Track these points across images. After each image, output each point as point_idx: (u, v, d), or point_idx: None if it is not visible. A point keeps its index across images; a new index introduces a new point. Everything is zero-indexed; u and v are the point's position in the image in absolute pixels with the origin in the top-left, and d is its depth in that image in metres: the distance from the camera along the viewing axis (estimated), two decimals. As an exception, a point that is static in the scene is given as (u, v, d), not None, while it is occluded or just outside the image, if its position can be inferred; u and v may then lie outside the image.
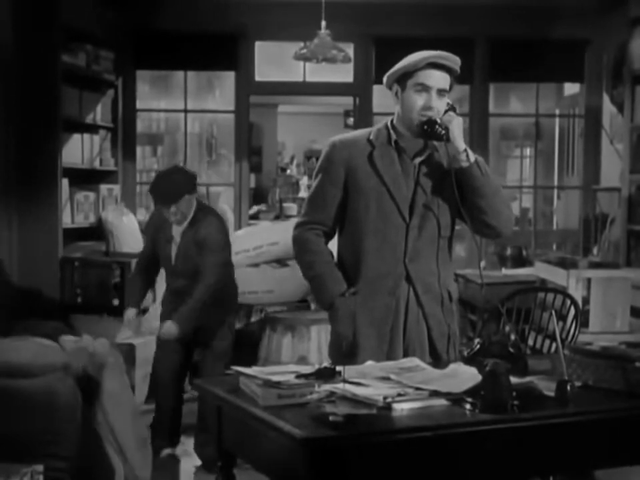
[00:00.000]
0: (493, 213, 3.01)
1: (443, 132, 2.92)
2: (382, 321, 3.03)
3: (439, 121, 2.93)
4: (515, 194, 8.91)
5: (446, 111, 2.96)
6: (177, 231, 4.51)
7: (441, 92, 2.95)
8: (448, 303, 3.11)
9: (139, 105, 7.30)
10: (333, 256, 3.16)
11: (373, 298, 3.03)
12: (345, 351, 3.03)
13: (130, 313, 4.68)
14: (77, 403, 3.67)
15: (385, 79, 3.04)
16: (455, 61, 2.96)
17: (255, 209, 9.91)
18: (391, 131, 3.05)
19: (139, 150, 7.60)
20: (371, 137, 3.08)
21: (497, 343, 2.76)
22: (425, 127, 2.94)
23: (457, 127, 2.93)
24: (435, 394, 2.41)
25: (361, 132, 3.18)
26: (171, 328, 4.42)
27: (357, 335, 3.04)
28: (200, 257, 4.42)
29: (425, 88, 2.94)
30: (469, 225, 3.08)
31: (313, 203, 3.15)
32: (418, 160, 3.05)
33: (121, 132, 6.91)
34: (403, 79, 2.97)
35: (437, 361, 3.00)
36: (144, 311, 5.77)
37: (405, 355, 3.01)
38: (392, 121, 3.07)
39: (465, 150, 2.95)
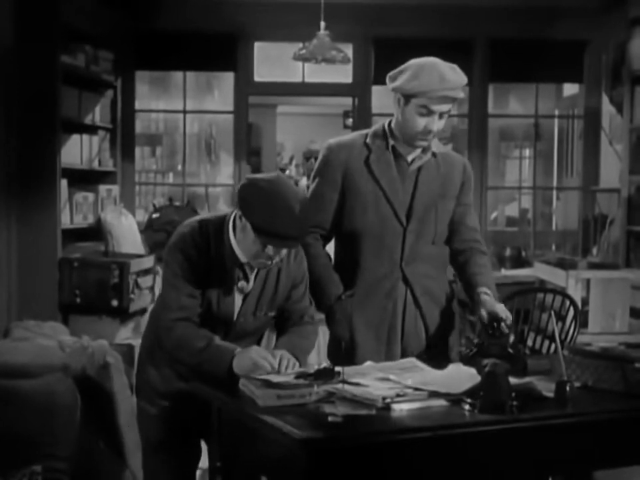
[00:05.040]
0: None
1: (507, 330, 2.83)
2: (379, 323, 3.03)
3: (505, 318, 2.84)
4: (514, 195, 8.92)
5: None
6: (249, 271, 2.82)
7: (442, 114, 2.93)
8: (447, 304, 3.11)
9: (137, 105, 7.29)
10: (330, 259, 3.16)
11: (370, 300, 3.04)
12: (343, 353, 3.03)
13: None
14: (76, 403, 3.67)
15: (388, 80, 2.99)
16: (463, 86, 2.92)
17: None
18: (388, 135, 3.04)
19: (137, 150, 7.59)
20: (368, 141, 3.06)
21: (496, 344, 2.76)
22: (495, 325, 2.84)
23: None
24: (434, 394, 2.42)
25: (357, 134, 3.16)
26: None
27: (355, 337, 3.04)
28: (293, 300, 2.94)
29: (429, 112, 2.90)
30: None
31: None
32: (416, 165, 3.04)
33: (120, 132, 6.90)
34: (408, 94, 2.92)
35: (435, 360, 3.01)
36: (142, 312, 5.76)
37: (403, 355, 3.01)
38: (389, 124, 3.05)
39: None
